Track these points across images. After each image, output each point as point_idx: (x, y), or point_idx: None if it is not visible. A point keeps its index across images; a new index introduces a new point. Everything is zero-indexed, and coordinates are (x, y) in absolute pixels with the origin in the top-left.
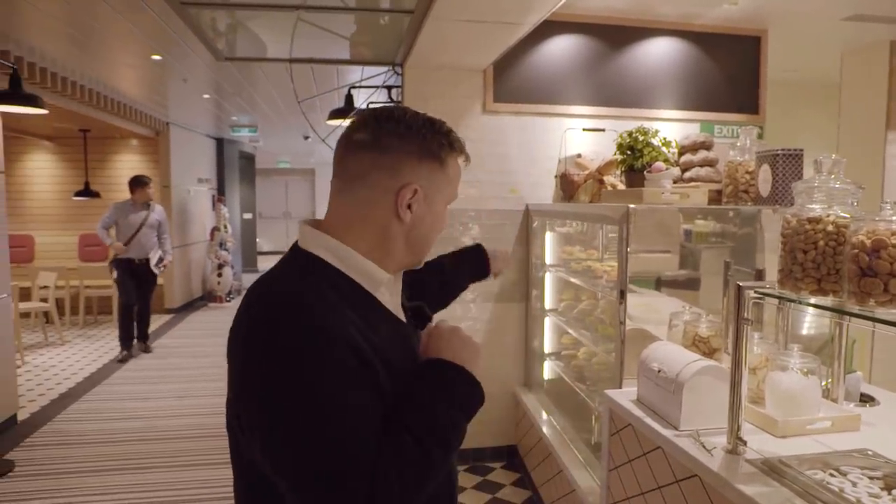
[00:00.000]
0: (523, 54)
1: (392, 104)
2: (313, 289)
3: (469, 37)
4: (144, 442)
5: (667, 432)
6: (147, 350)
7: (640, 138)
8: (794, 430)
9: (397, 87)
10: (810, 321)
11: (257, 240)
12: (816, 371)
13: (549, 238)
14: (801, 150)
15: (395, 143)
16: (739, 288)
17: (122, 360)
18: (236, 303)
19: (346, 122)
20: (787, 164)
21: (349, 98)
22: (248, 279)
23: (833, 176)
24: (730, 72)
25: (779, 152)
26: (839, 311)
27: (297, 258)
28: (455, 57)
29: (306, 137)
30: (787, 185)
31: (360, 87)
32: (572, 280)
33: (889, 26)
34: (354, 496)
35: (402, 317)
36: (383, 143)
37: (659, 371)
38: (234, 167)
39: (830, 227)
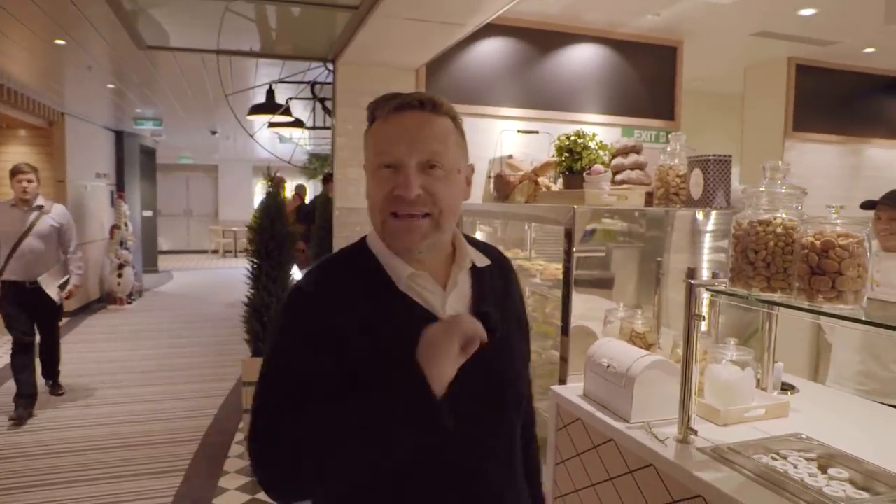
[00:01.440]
0: (456, 55)
1: (321, 99)
2: (322, 271)
3: (411, 35)
4: (51, 456)
5: (619, 425)
6: (57, 392)
7: (579, 141)
8: (734, 418)
9: (327, 83)
10: (733, 314)
11: (158, 238)
12: (750, 363)
13: (480, 237)
14: (730, 155)
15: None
16: (691, 286)
17: (16, 423)
18: (137, 305)
19: (272, 118)
20: (717, 169)
21: (271, 93)
22: (150, 280)
23: (779, 182)
24: (649, 79)
25: (710, 158)
26: (792, 307)
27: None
28: (393, 55)
29: (213, 132)
30: (716, 189)
31: (285, 82)
32: None
33: (788, 44)
34: (258, 421)
35: (442, 310)
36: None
37: (608, 366)
38: (135, 162)
39: (780, 230)
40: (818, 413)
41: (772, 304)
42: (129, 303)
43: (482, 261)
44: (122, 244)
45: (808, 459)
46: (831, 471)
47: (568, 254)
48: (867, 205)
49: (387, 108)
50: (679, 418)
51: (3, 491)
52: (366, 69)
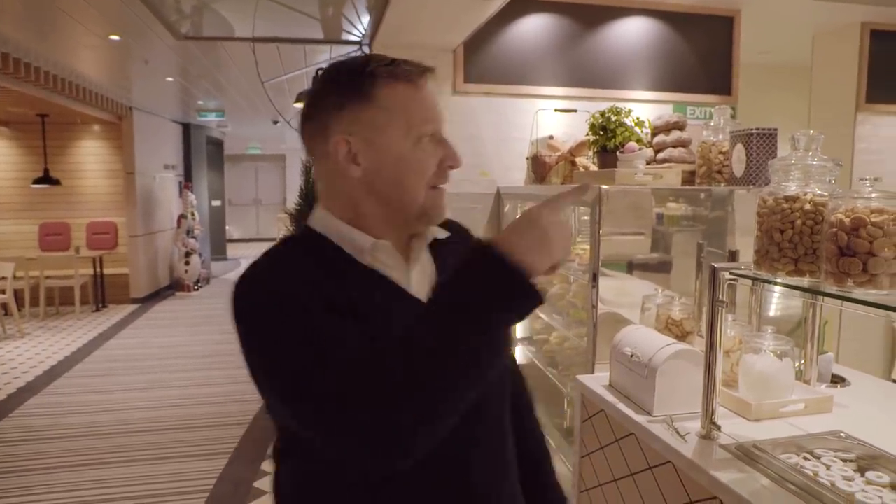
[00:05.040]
0: (494, 34)
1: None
2: (279, 255)
3: (439, 11)
4: (110, 436)
5: (640, 418)
6: None
7: (613, 118)
8: (768, 413)
9: None
10: (782, 302)
11: (227, 227)
12: (790, 353)
13: None
14: (776, 129)
15: (318, 104)
16: (714, 269)
17: None
18: (204, 291)
19: None
20: (761, 144)
21: (316, 79)
22: (218, 268)
23: (810, 153)
24: (703, 52)
25: (753, 131)
26: (815, 293)
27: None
28: (425, 35)
29: (275, 122)
30: (761, 165)
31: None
32: None
33: (860, 7)
34: (316, 381)
35: (409, 286)
36: (310, 111)
37: (632, 355)
38: (202, 153)
39: (808, 206)
40: (868, 409)
41: (795, 288)
42: (196, 289)
43: (441, 233)
44: (189, 233)
45: (844, 460)
46: (869, 474)
47: (595, 237)
48: None
49: (411, 71)
50: (702, 411)
51: (61, 468)
52: (400, 51)
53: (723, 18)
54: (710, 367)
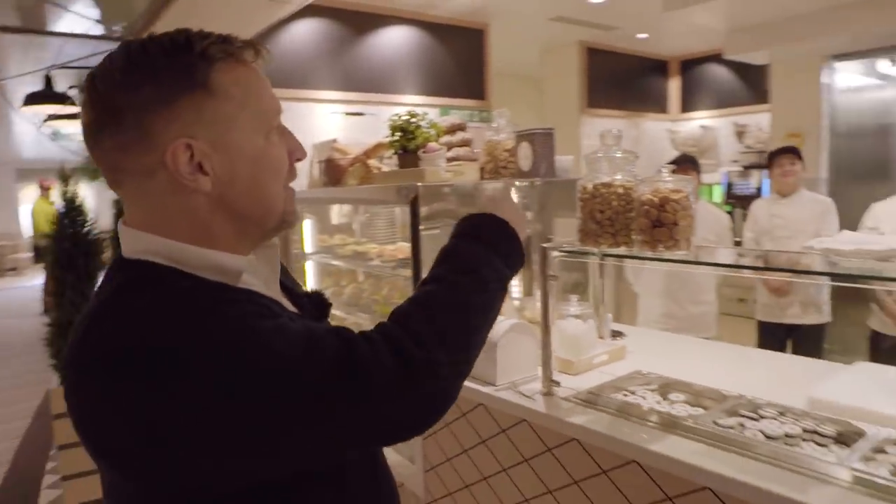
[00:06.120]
0: (272, 36)
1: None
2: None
3: (232, 11)
4: None
5: (486, 389)
6: None
7: (413, 121)
8: (585, 367)
9: None
10: (570, 275)
11: None
12: (591, 315)
13: (307, 225)
14: (553, 128)
15: (122, 103)
16: (544, 249)
17: None
18: None
19: (59, 110)
20: (543, 141)
21: (48, 80)
22: None
23: (615, 147)
24: (460, 61)
25: (537, 131)
26: (637, 258)
27: (123, 272)
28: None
29: None
30: (543, 160)
31: (70, 67)
32: (335, 263)
33: (580, 28)
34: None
35: (286, 303)
36: (106, 115)
37: None
38: None
39: (621, 190)
40: (646, 351)
41: (621, 256)
42: None
43: None
44: None
45: (651, 390)
46: (671, 396)
47: (415, 232)
48: (676, 160)
49: (248, 51)
50: (542, 373)
51: None
52: None
53: (475, 31)
54: (546, 334)
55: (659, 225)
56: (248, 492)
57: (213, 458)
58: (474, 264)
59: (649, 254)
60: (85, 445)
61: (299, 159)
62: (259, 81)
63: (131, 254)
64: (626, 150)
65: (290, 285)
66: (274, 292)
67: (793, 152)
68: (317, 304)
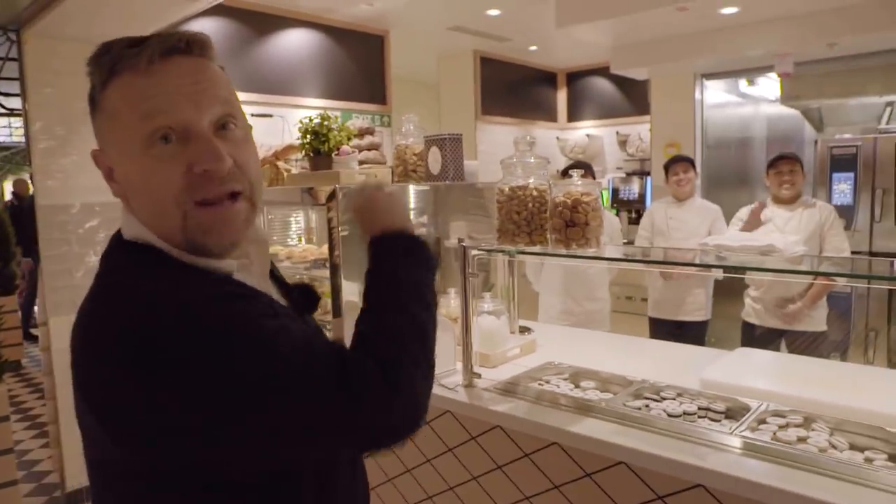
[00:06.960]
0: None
1: None
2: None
3: (137, 5)
4: None
5: None
6: None
7: (325, 123)
8: (500, 359)
9: (11, 59)
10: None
11: None
12: (504, 312)
13: None
14: (461, 134)
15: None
16: (464, 248)
17: None
18: None
19: None
20: (452, 146)
21: None
22: None
23: (527, 153)
24: (361, 66)
25: (446, 137)
26: (552, 255)
27: (122, 252)
28: (105, 29)
29: None
30: (453, 163)
31: None
32: None
33: (475, 38)
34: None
35: (275, 295)
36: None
37: None
38: None
39: (535, 193)
40: (553, 344)
41: (537, 255)
42: None
43: None
44: None
45: (564, 379)
46: (582, 384)
47: (332, 233)
48: (573, 166)
49: (142, 56)
50: (463, 366)
51: None
52: (65, 44)
53: (375, 36)
54: (466, 330)
55: (572, 225)
56: (237, 485)
57: (204, 443)
58: (420, 287)
59: (564, 251)
60: (90, 415)
61: (207, 171)
62: (142, 85)
63: (130, 236)
64: (539, 155)
65: (279, 276)
66: (265, 287)
67: (686, 161)
68: (306, 295)
